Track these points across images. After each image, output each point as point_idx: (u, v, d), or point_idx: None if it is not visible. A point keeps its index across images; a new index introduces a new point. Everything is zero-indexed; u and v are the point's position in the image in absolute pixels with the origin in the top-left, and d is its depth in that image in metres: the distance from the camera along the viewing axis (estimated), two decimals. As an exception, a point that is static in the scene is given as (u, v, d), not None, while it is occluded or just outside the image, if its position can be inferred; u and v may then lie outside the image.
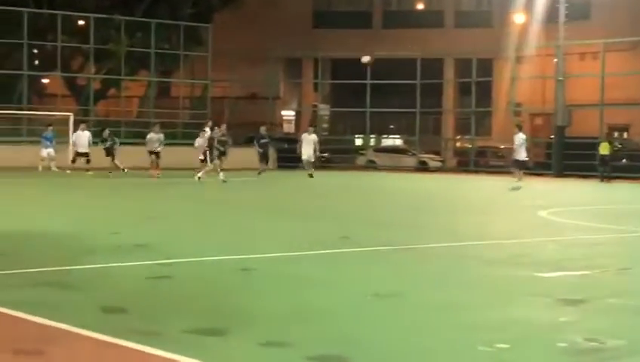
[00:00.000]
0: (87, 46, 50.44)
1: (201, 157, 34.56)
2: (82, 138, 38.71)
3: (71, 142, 39.88)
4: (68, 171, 37.16)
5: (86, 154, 38.25)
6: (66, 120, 44.30)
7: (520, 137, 32.01)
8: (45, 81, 57.75)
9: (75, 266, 10.96)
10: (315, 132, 39.99)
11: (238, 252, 12.71)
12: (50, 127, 39.52)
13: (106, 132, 38.17)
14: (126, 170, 36.47)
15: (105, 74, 53.79)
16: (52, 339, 6.99)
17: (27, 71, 48.75)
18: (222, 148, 35.77)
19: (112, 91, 56.03)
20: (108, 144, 37.30)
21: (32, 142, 43.71)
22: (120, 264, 11.29)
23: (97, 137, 39.37)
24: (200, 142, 35.27)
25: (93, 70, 52.43)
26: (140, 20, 51.80)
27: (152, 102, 53.50)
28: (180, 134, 51.22)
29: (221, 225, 17.87)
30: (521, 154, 31.90)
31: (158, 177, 35.13)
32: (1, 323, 7.68)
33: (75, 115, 46.47)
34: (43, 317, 7.65)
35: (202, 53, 53.96)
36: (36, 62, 52.05)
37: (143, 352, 6.58)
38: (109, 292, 9.31)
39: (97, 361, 6.36)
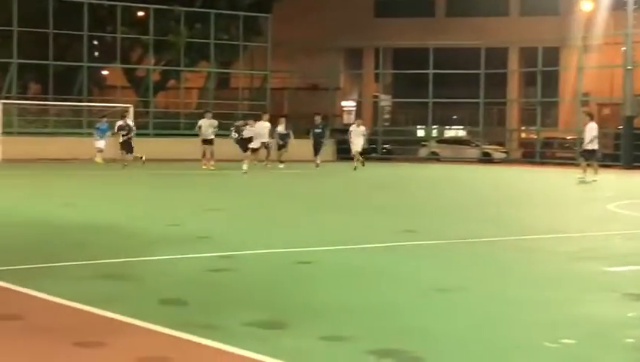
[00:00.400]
0: (147, 37, 50.80)
1: (255, 145, 34.41)
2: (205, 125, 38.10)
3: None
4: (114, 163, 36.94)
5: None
6: (125, 111, 44.64)
7: (592, 127, 31.00)
8: (105, 72, 58.29)
9: (136, 258, 11.08)
10: (362, 124, 39.99)
11: (298, 244, 12.76)
12: (105, 119, 39.57)
13: (125, 122, 37.45)
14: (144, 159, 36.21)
15: (164, 65, 54.19)
16: (112, 331, 7.09)
17: (87, 62, 49.21)
18: (281, 142, 35.90)
19: (171, 83, 56.42)
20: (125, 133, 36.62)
21: (90, 134, 44.22)
22: (180, 256, 11.40)
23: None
24: (250, 132, 35.02)
25: (152, 61, 52.81)
26: (200, 11, 52.05)
27: (211, 94, 53.76)
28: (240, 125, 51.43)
29: (281, 217, 17.90)
30: (593, 144, 30.87)
31: (211, 169, 35.03)
32: (62, 315, 7.79)
33: (135, 106, 46.88)
34: (103, 309, 7.77)
35: (262, 44, 54.09)
36: (96, 53, 52.53)
37: (202, 345, 6.66)
38: (170, 284, 9.41)
39: (156, 353, 6.42)
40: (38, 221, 15.70)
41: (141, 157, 35.88)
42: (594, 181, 28.62)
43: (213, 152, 36.33)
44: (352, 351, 6.62)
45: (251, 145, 34.23)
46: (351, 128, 39.46)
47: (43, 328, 7.31)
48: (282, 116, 42.14)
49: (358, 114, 63.67)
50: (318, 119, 39.53)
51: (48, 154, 41.14)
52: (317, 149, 38.65)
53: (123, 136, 36.06)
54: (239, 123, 37.50)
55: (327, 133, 40.69)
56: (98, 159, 38.57)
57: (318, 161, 37.76)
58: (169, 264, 10.85)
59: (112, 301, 8.07)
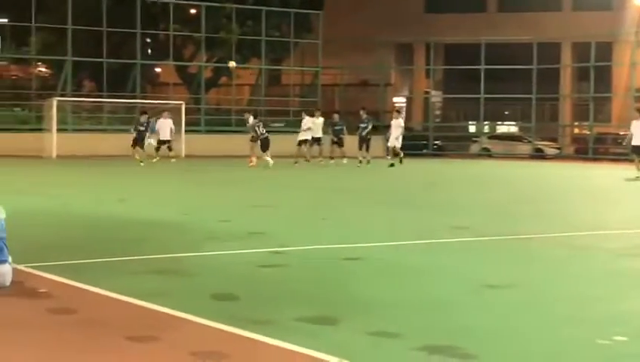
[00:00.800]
0: (199, 34, 51.11)
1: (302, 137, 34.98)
2: (165, 126, 38.58)
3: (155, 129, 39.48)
4: (154, 160, 37.15)
5: (168, 142, 38.32)
6: (177, 108, 44.97)
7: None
8: (158, 69, 58.74)
9: (187, 253, 11.16)
10: (401, 117, 39.69)
11: (347, 240, 12.77)
12: (146, 115, 38.92)
13: (144, 117, 37.44)
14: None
15: (216, 62, 54.44)
16: (165, 326, 7.15)
17: (140, 60, 49.61)
18: (335, 138, 35.90)
19: (223, 79, 56.70)
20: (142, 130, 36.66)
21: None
22: (231, 251, 11.47)
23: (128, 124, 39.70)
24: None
25: (204, 58, 53.10)
26: (251, 8, 52.22)
27: (262, 90, 53.93)
28: (291, 121, 51.61)
29: (330, 213, 17.87)
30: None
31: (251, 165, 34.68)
32: (115, 308, 7.87)
33: (187, 103, 47.18)
34: (156, 304, 7.82)
35: (313, 41, 54.19)
36: (149, 51, 52.96)
37: (254, 339, 6.67)
38: (221, 279, 9.47)
39: (209, 348, 6.47)
40: (92, 217, 15.86)
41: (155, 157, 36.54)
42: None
43: (322, 150, 37.42)
44: (402, 347, 6.62)
45: (300, 138, 35.01)
46: (392, 122, 38.86)
47: (96, 322, 7.39)
48: (335, 112, 42.08)
49: (409, 110, 63.69)
50: (363, 114, 38.75)
51: (102, 150, 41.53)
52: (361, 145, 37.67)
53: (139, 132, 36.32)
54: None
55: (371, 127, 39.85)
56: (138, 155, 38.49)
57: (361, 158, 37.04)
58: (220, 259, 10.91)
59: (164, 295, 8.14)
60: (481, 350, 6.53)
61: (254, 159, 34.13)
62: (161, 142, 38.52)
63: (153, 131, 38.54)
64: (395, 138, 37.01)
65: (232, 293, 8.55)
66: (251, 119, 36.73)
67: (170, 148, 38.34)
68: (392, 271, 10.35)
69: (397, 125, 37.18)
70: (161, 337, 6.78)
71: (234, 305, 8.06)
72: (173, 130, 39.00)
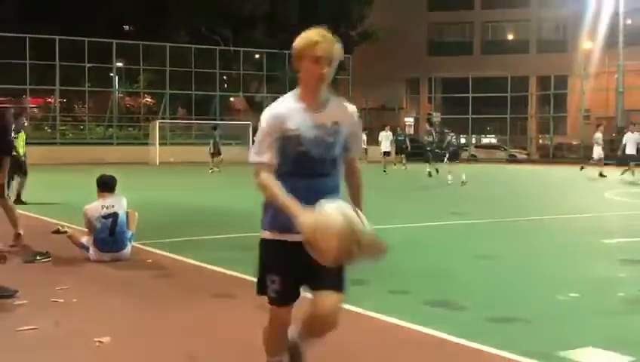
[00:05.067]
0: (261, 73, 51.39)
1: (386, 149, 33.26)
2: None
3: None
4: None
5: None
6: (246, 127, 45.26)
7: (630, 136, 28.21)
8: (232, 99, 58.98)
9: (254, 233, 11.07)
10: (390, 129, 35.45)
11: (374, 223, 12.69)
12: (215, 130, 36.56)
13: (215, 132, 35.38)
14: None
15: (274, 93, 54.57)
16: (238, 286, 7.13)
17: (219, 92, 49.94)
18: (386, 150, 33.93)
19: (279, 106, 56.87)
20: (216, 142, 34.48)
21: (229, 144, 44.69)
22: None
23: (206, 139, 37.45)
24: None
25: (265, 91, 53.30)
26: (300, 53, 52.38)
27: (308, 114, 54.08)
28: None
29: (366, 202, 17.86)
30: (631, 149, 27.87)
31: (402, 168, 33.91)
32: (203, 274, 7.91)
33: (253, 124, 47.37)
34: (232, 270, 7.86)
35: (345, 77, 54.18)
36: (225, 85, 53.20)
37: (303, 296, 6.65)
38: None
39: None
40: (185, 207, 15.97)
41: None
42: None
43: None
44: (414, 301, 6.62)
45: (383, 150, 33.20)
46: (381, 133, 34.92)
47: (188, 283, 7.43)
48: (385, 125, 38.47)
49: (417, 127, 63.65)
50: (398, 129, 35.58)
51: (191, 158, 41.80)
52: (399, 152, 34.24)
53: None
54: None
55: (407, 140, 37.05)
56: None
57: (394, 165, 34.29)
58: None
59: (236, 264, 8.12)
60: (472, 303, 6.53)
61: None
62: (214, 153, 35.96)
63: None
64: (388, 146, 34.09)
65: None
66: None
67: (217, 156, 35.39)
68: (406, 245, 10.29)
69: (385, 136, 34.17)
70: (236, 295, 6.79)
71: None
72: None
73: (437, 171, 28.22)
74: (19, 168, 14.63)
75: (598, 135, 29.54)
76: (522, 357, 4.86)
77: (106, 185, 8.87)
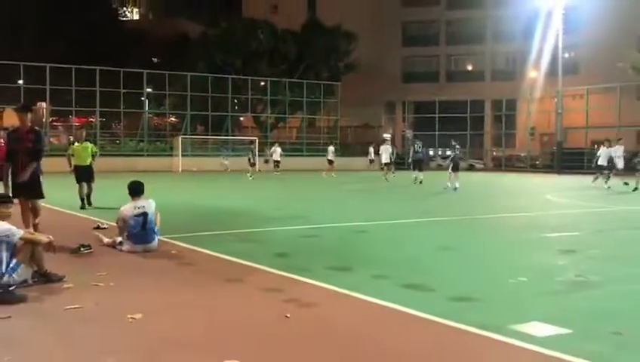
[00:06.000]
0: (266, 97, 51.38)
1: (386, 160, 30.74)
2: (277, 150, 36.51)
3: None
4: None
5: (278, 162, 35.81)
6: (252, 142, 45.14)
7: (606, 150, 25.81)
8: (241, 118, 58.91)
9: (258, 229, 11.16)
10: (388, 143, 33.06)
11: (357, 220, 12.73)
12: (252, 145, 36.84)
13: (251, 146, 35.23)
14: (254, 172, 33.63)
15: (277, 114, 54.59)
16: (247, 273, 7.16)
17: (230, 113, 49.92)
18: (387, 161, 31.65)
19: (280, 124, 56.82)
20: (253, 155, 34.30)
21: (239, 155, 44.65)
22: (284, 228, 11.46)
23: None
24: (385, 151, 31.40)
25: (269, 111, 53.28)
26: (297, 81, 52.46)
27: (304, 130, 54.06)
28: (321, 150, 51.73)
29: (346, 204, 17.88)
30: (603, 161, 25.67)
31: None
32: (217, 263, 7.90)
33: (259, 139, 47.35)
34: (241, 259, 7.85)
35: (334, 100, 54.25)
36: (236, 107, 53.18)
37: (300, 281, 6.69)
38: (279, 244, 9.46)
39: (272, 286, 6.45)
40: (204, 207, 15.93)
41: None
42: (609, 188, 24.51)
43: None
44: (390, 284, 6.61)
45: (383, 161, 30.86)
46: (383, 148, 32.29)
47: (204, 270, 7.42)
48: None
49: (393, 142, 63.65)
50: (418, 143, 30.95)
51: (207, 167, 41.78)
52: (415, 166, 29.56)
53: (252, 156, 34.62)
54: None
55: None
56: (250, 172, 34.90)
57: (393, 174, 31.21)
58: (278, 232, 10.91)
59: (245, 254, 8.15)
60: (438, 286, 6.52)
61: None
62: (274, 162, 36.29)
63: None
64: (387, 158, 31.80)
65: (285, 253, 8.54)
66: (279, 149, 36.24)
67: (277, 166, 35.99)
68: (383, 238, 10.31)
69: (385, 149, 32.12)
70: (243, 279, 6.79)
71: (287, 259, 8.05)
72: (282, 153, 36.77)
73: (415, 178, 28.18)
74: (89, 175, 15.06)
75: (619, 148, 26.54)
76: (480, 329, 4.87)
77: (136, 191, 8.92)
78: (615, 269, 7.73)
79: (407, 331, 4.96)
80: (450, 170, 24.25)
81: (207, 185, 27.18)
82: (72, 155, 15.27)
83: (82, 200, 14.77)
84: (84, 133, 16.18)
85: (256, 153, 35.03)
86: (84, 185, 14.93)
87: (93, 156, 15.35)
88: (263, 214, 13.92)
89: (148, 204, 8.78)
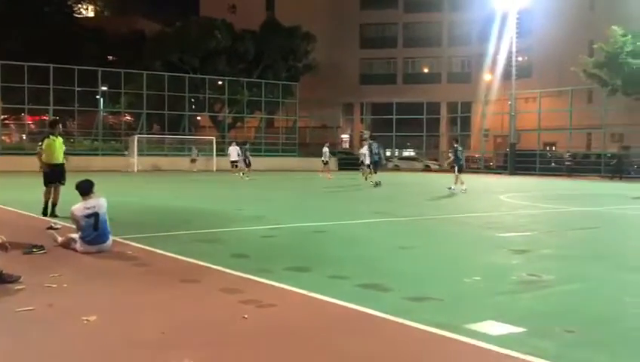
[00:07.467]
0: (224, 96, 51.07)
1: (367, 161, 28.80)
2: (233, 151, 35.41)
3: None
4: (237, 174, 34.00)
5: (235, 162, 35.00)
6: (210, 141, 44.96)
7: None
8: (199, 118, 58.51)
9: (217, 229, 11.08)
10: (366, 144, 30.93)
11: (316, 221, 12.75)
12: (245, 145, 35.76)
13: (245, 147, 34.68)
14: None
15: (234, 113, 54.33)
16: (204, 273, 7.09)
17: (187, 112, 49.50)
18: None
19: (238, 124, 56.59)
20: (247, 156, 33.75)
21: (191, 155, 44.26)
22: (244, 228, 11.39)
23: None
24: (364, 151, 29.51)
25: (227, 111, 52.99)
26: (255, 80, 52.35)
27: (262, 131, 53.91)
28: (280, 150, 51.72)
29: (305, 204, 17.90)
30: None
31: (244, 177, 31.64)
32: (173, 263, 7.80)
33: (217, 138, 47.07)
34: (198, 260, 7.77)
35: (292, 101, 54.25)
36: (193, 106, 52.76)
37: (258, 281, 6.64)
38: (238, 244, 9.40)
39: (230, 286, 6.41)
40: (158, 207, 15.75)
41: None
42: None
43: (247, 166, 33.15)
44: (349, 284, 6.61)
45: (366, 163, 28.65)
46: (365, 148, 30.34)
47: (160, 270, 7.32)
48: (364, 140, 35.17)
49: (351, 142, 63.97)
50: (375, 144, 29.05)
51: (164, 166, 41.34)
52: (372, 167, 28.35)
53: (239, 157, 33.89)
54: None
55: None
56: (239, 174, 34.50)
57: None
58: (238, 233, 10.84)
59: (203, 255, 8.07)
60: (395, 285, 6.55)
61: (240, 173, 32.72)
62: (231, 163, 35.41)
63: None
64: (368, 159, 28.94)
65: (244, 253, 8.49)
66: (233, 148, 35.34)
67: (236, 167, 34.82)
68: (341, 238, 10.33)
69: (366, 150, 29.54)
70: (201, 280, 6.73)
71: (246, 260, 8.00)
72: (240, 154, 35.07)
73: (366, 178, 28.15)
74: (61, 175, 12.87)
75: None
76: (435, 328, 4.91)
77: (85, 190, 8.77)
78: (566, 268, 7.89)
79: (364, 331, 4.97)
80: (455, 171, 24.05)
81: (164, 185, 26.87)
82: (43, 152, 12.78)
83: (47, 205, 12.68)
84: (60, 126, 13.81)
85: (248, 153, 34.20)
86: (52, 188, 12.71)
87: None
88: (223, 214, 13.83)
89: (99, 203, 8.62)
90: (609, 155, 42.95)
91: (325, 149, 36.57)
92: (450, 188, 23.33)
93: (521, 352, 4.34)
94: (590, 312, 5.69)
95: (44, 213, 12.57)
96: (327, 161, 35.64)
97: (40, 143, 13.10)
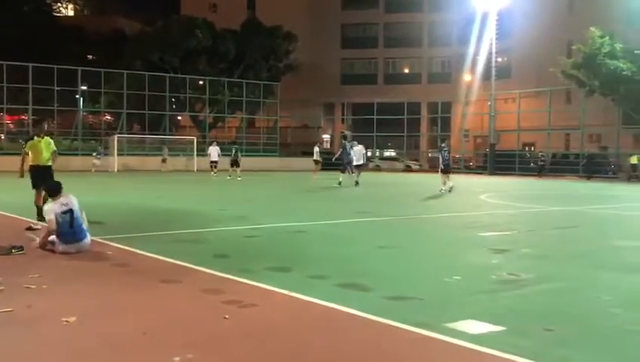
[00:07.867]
0: (205, 96, 50.90)
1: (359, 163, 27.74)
2: (213, 151, 35.58)
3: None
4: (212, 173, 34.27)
5: (215, 163, 34.99)
6: (191, 141, 44.79)
7: None
8: (179, 117, 58.23)
9: (199, 229, 11.03)
10: (357, 145, 29.18)
11: (298, 220, 12.73)
12: (235, 145, 35.54)
13: (234, 148, 34.13)
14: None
15: (215, 113, 54.15)
16: (184, 273, 7.05)
17: (168, 112, 49.25)
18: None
19: (219, 124, 56.40)
20: (233, 156, 33.08)
21: (175, 155, 44.04)
22: (226, 228, 11.35)
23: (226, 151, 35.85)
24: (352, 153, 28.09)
25: (208, 111, 52.80)
26: (237, 80, 52.19)
27: (243, 130, 53.78)
28: (261, 150, 51.62)
29: (287, 204, 17.87)
30: None
31: (225, 177, 31.90)
32: (153, 263, 7.75)
33: (198, 138, 46.89)
34: (179, 260, 7.74)
35: (274, 101, 54.23)
36: (174, 106, 52.51)
37: (240, 281, 6.62)
38: (219, 245, 9.37)
39: (212, 286, 6.39)
40: (139, 207, 15.66)
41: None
42: None
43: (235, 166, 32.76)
44: (328, 284, 6.61)
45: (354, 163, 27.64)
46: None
47: (141, 271, 7.28)
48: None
49: (332, 142, 64.03)
50: (351, 143, 28.59)
51: (145, 166, 41.08)
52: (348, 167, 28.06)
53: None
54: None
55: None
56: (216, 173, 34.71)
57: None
58: (219, 233, 10.80)
59: (184, 255, 8.03)
60: (376, 285, 6.56)
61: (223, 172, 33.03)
62: (211, 163, 35.16)
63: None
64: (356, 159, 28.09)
65: (226, 253, 8.46)
66: (214, 148, 35.14)
67: (215, 167, 34.72)
68: (322, 238, 10.33)
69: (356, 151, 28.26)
70: (182, 280, 6.69)
71: (227, 260, 7.97)
72: (220, 154, 35.34)
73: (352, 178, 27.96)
74: (48, 178, 11.24)
75: None
76: (416, 328, 4.92)
77: (54, 190, 8.81)
78: (546, 267, 7.95)
79: (344, 330, 4.98)
80: (440, 171, 24.13)
81: (144, 185, 26.70)
82: (28, 154, 11.85)
83: (40, 208, 10.89)
84: (45, 126, 12.92)
85: (239, 153, 33.89)
86: (42, 190, 11.14)
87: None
88: (206, 214, 13.77)
89: (69, 200, 8.61)
90: (585, 155, 43.44)
91: (316, 148, 36.56)
92: (441, 190, 23.23)
93: (501, 351, 4.37)
94: (569, 310, 5.74)
95: (41, 219, 11.18)
96: (318, 161, 35.53)
97: (24, 145, 12.39)
